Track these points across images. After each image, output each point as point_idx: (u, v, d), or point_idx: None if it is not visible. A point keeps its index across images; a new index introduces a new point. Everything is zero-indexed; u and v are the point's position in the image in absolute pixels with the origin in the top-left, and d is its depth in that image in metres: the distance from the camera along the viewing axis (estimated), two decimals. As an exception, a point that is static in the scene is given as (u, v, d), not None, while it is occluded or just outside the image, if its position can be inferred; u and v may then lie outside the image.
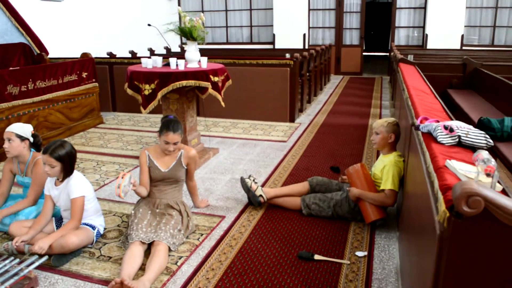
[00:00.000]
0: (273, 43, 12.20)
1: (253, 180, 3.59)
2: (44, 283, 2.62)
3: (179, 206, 3.14)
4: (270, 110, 6.47)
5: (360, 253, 2.85)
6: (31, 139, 3.24)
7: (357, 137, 5.63)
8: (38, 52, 6.73)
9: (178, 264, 2.76)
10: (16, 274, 2.49)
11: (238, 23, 12.95)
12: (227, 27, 13.06)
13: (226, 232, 3.17)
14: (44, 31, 7.24)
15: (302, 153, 5.00)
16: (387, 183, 3.08)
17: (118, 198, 3.78)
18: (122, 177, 2.78)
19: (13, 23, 6.51)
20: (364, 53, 12.55)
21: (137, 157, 4.86)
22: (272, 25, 12.26)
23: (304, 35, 11.94)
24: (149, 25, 5.22)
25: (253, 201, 3.54)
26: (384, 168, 3.14)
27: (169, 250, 2.81)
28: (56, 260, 2.75)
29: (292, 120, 6.46)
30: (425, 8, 11.37)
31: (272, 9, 12.12)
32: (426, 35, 11.26)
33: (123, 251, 2.86)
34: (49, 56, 6.87)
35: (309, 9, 12.00)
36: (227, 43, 12.99)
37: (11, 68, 5.70)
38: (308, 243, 2.99)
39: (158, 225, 2.93)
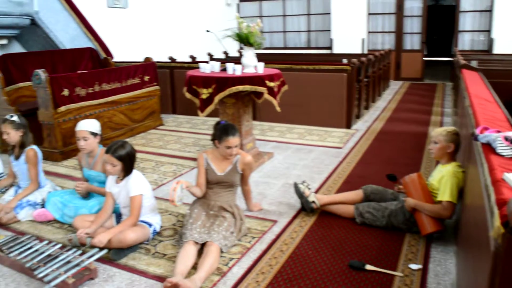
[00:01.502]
0: (330, 48, 12.11)
1: (307, 186, 3.59)
2: (102, 274, 2.77)
3: (232, 209, 3.20)
4: (326, 116, 6.43)
5: (414, 266, 2.78)
6: (100, 133, 3.49)
7: (416, 145, 5.48)
8: (104, 56, 7.08)
9: (229, 265, 2.81)
10: (77, 264, 2.65)
11: (296, 28, 12.97)
12: (285, 32, 13.11)
13: (278, 237, 3.19)
14: (110, 37, 7.61)
15: (357, 160, 4.93)
16: (445, 195, 2.98)
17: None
18: (175, 188, 2.89)
19: (82, 29, 6.91)
20: (425, 58, 12.16)
21: (194, 159, 5.00)
22: (329, 30, 12.17)
23: (363, 40, 11.76)
24: (207, 31, 5.35)
25: (305, 207, 3.54)
26: (442, 178, 3.04)
27: (221, 251, 2.86)
28: (115, 254, 2.90)
29: (348, 126, 6.39)
30: (491, 11, 10.86)
31: (330, 13, 12.03)
32: (493, 39, 10.75)
33: (177, 249, 2.95)
34: (114, 60, 7.21)
35: (368, 14, 11.80)
36: (285, 48, 13.04)
37: (79, 71, 6.04)
38: (360, 252, 2.96)
39: (211, 226, 3.00)
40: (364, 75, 7.19)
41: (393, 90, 10.23)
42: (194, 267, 2.71)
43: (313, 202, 3.49)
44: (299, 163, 4.86)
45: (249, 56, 4.49)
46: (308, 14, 12.69)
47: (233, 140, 3.12)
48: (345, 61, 7.21)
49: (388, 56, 10.30)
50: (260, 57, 4.97)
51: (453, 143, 3.10)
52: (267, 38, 13.05)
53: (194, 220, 3.03)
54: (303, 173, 4.55)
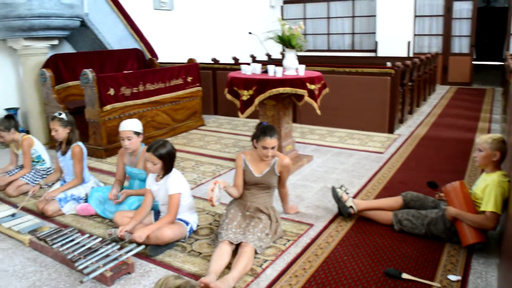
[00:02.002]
0: (375, 50, 11.89)
1: (345, 191, 3.54)
2: (139, 269, 2.84)
3: (268, 210, 3.21)
4: (368, 120, 6.33)
5: (453, 277, 2.69)
6: (142, 132, 3.59)
7: (460, 152, 5.30)
8: (150, 57, 7.26)
9: (263, 267, 2.82)
10: (116, 258, 2.74)
11: (340, 30, 12.82)
12: (328, 34, 12.99)
13: (313, 241, 3.17)
14: (155, 38, 7.79)
15: (399, 166, 4.82)
16: (489, 205, 2.87)
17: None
18: (213, 188, 2.94)
19: (129, 30, 7.11)
20: (474, 62, 11.74)
21: (233, 160, 5.04)
22: (374, 33, 11.96)
23: (409, 42, 11.48)
24: (250, 33, 5.39)
25: (343, 212, 3.50)
26: (486, 188, 2.92)
27: (255, 252, 2.87)
28: (152, 250, 2.97)
29: (391, 131, 6.26)
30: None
31: (375, 16, 11.83)
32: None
33: (213, 248, 2.99)
34: (159, 61, 7.38)
35: (415, 16, 11.51)
36: (328, 50, 12.92)
37: (125, 72, 6.22)
38: (396, 260, 2.89)
39: (247, 227, 3.02)
40: (408, 79, 7.03)
41: (439, 95, 9.94)
42: (228, 267, 2.74)
43: (351, 207, 3.45)
44: (338, 167, 4.81)
45: (291, 58, 4.49)
46: (353, 16, 12.52)
47: (270, 141, 3.13)
48: (389, 64, 7.07)
49: (435, 59, 10.02)
50: (303, 60, 4.96)
51: (499, 151, 2.98)
52: (310, 40, 12.98)
53: (230, 220, 3.06)
54: (342, 177, 4.50)
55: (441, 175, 4.41)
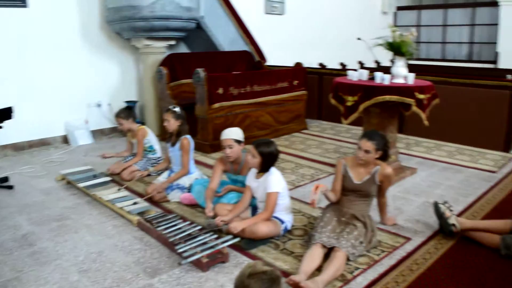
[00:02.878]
0: (495, 62, 11.03)
1: (448, 207, 3.36)
2: (233, 260, 2.97)
3: (365, 219, 3.16)
4: (481, 135, 5.90)
5: None
6: (243, 140, 3.64)
7: None
8: (258, 59, 7.47)
9: (354, 274, 2.78)
10: (212, 247, 2.90)
11: (457, 39, 12.06)
12: (444, 43, 12.31)
13: (409, 255, 3.06)
14: (264, 41, 7.99)
15: (512, 187, 4.46)
16: None
17: (309, 201, 4.00)
18: (316, 189, 2.96)
19: (240, 33, 7.38)
20: None
21: (333, 165, 5.01)
22: (495, 43, 11.09)
23: (536, 55, 10.49)
24: (358, 38, 5.32)
25: (444, 229, 3.32)
26: None
27: (348, 259, 2.85)
28: (246, 244, 3.09)
29: (506, 149, 5.78)
30: None
31: (497, 24, 10.96)
32: None
33: (305, 250, 3.01)
34: (267, 63, 7.57)
35: (546, 26, 10.49)
36: (443, 59, 12.23)
37: (234, 72, 6.48)
38: (501, 286, 2.68)
39: (341, 232, 3.00)
40: (532, 95, 6.43)
41: None
42: (318, 270, 2.75)
43: (453, 225, 3.26)
44: (444, 183, 4.56)
45: (400, 66, 4.36)
46: (472, 25, 11.73)
47: (365, 143, 3.10)
48: (509, 77, 6.54)
49: None
50: (413, 68, 4.78)
51: None
52: (423, 48, 12.39)
53: (325, 224, 3.06)
54: (447, 193, 4.26)
55: (562, 202, 4.00)
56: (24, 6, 5.71)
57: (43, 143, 6.17)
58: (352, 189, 3.23)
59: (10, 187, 4.46)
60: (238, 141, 3.56)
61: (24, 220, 3.69)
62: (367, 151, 3.12)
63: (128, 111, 4.86)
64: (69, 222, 3.64)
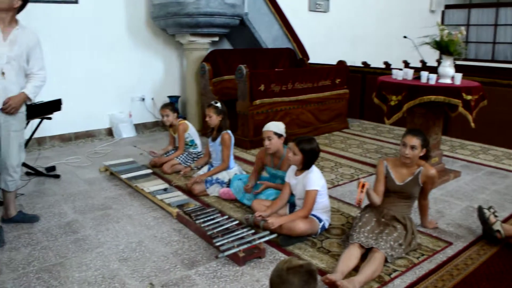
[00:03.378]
0: (551, 64, 10.53)
1: (493, 213, 3.24)
2: (269, 256, 2.98)
3: (405, 220, 3.09)
4: (532, 140, 5.66)
5: None
6: (285, 135, 3.67)
7: None
8: (301, 57, 7.44)
9: (392, 276, 2.73)
10: (249, 242, 2.91)
11: (509, 39, 11.59)
12: (494, 43, 11.85)
13: (450, 260, 2.97)
14: (307, 38, 7.94)
15: None
16: None
17: (347, 200, 3.96)
18: (363, 186, 2.89)
19: (284, 30, 7.37)
20: None
21: (373, 165, 4.94)
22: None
23: None
24: (404, 37, 5.21)
25: (488, 235, 3.21)
26: None
27: (386, 260, 2.80)
28: (283, 240, 3.09)
29: (559, 155, 5.52)
30: None
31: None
32: None
33: (342, 249, 2.99)
34: (309, 61, 7.52)
35: None
36: (492, 60, 11.78)
37: (276, 70, 6.48)
38: (548, 296, 2.58)
39: (380, 233, 2.95)
40: None
41: None
42: (355, 270, 2.72)
43: (498, 231, 3.14)
44: (489, 188, 4.40)
45: (447, 65, 4.23)
46: (526, 25, 11.25)
47: (411, 138, 3.05)
48: None
49: None
50: (461, 68, 4.63)
51: None
52: (472, 48, 11.97)
53: (363, 224, 3.02)
54: (492, 198, 4.11)
55: None
56: (76, 2, 5.92)
57: (88, 135, 6.38)
58: (393, 190, 3.16)
59: (57, 176, 4.64)
60: (278, 134, 3.60)
61: (69, 208, 3.83)
62: (413, 147, 3.05)
63: (172, 105, 4.96)
64: (111, 211, 3.75)
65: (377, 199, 3.13)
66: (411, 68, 7.11)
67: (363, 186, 2.89)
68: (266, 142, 3.60)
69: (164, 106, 4.87)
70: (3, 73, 3.09)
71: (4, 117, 3.18)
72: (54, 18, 5.76)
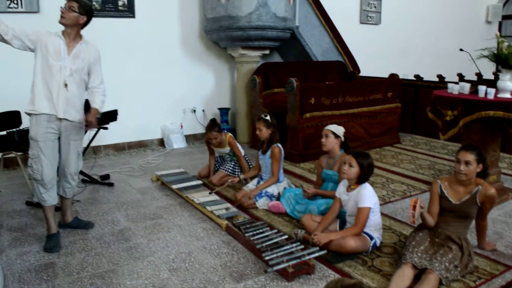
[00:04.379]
0: None
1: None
2: (318, 272, 2.94)
3: (461, 241, 2.96)
4: None
5: None
6: (343, 139, 3.78)
7: None
8: (351, 70, 7.36)
9: (448, 299, 2.63)
10: (299, 257, 2.88)
11: None
12: (559, 56, 11.26)
13: (509, 285, 2.81)
14: (358, 51, 7.85)
15: None
16: None
17: (399, 218, 3.86)
18: (415, 205, 2.80)
19: (334, 43, 7.33)
20: None
21: (426, 182, 4.79)
22: None
23: None
24: (461, 50, 5.06)
25: (552, 259, 3.03)
26: None
27: (440, 282, 2.69)
28: (333, 257, 3.04)
29: None
30: None
31: None
32: None
33: (394, 269, 2.90)
34: (360, 74, 7.42)
35: None
36: (556, 74, 11.20)
37: (327, 83, 6.44)
38: None
39: (434, 254, 2.84)
40: None
41: None
42: (409, 291, 2.63)
43: None
44: (553, 209, 4.17)
45: (506, 79, 4.06)
46: None
47: (465, 154, 2.93)
48: None
49: None
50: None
51: None
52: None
53: (417, 243, 2.92)
54: (557, 220, 3.89)
55: None
56: (133, 17, 6.15)
57: (141, 145, 6.57)
58: (449, 209, 3.04)
59: (111, 184, 4.80)
60: (335, 135, 3.75)
61: (122, 216, 3.94)
62: (467, 163, 2.93)
63: (218, 124, 4.86)
64: (162, 221, 3.83)
65: (431, 220, 3.02)
66: (466, 81, 6.89)
67: (415, 202, 2.80)
68: (323, 139, 3.77)
69: (210, 130, 4.69)
70: (66, 85, 3.24)
71: (65, 127, 3.34)
72: (112, 31, 6.00)
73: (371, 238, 3.13)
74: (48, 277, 2.89)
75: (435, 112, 4.25)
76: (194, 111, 6.96)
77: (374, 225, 3.17)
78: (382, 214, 3.65)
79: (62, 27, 3.27)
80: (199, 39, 6.83)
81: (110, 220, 3.86)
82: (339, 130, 3.78)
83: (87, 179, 4.84)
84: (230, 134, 4.91)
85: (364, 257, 3.12)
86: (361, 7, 8.90)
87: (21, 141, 4.25)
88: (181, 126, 6.79)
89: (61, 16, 3.19)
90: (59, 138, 3.36)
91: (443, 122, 4.09)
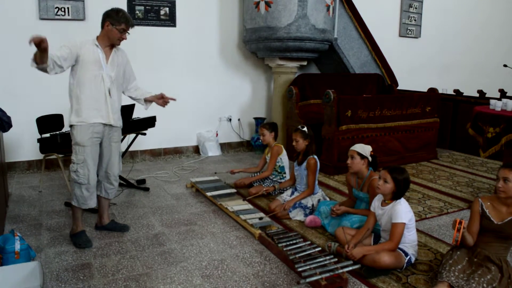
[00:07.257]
0: None
1: None
2: (351, 287, 2.90)
3: (501, 263, 2.86)
4: None
5: None
6: (370, 159, 3.63)
7: None
8: (389, 83, 7.27)
9: (486, 322, 2.54)
10: (331, 270, 2.85)
11: None
12: None
13: (554, 310, 2.71)
14: (396, 64, 7.76)
15: None
16: None
17: (435, 235, 3.77)
18: (460, 224, 2.73)
19: (373, 56, 7.26)
20: None
21: (464, 200, 4.67)
22: None
23: None
24: (505, 65, 4.92)
25: None
26: None
27: (478, 304, 2.61)
28: (367, 272, 2.99)
29: None
30: None
31: None
32: None
33: (429, 287, 2.83)
34: (398, 87, 7.33)
35: None
36: None
37: (364, 95, 6.38)
38: None
39: (471, 274, 2.76)
40: None
41: None
42: (445, 311, 2.56)
43: None
44: None
45: (554, 97, 3.94)
46: None
47: (503, 171, 2.83)
48: None
49: None
50: None
51: None
52: None
53: (454, 262, 2.85)
54: None
55: None
56: (174, 26, 6.29)
57: (176, 151, 6.67)
58: (490, 229, 2.94)
59: (147, 189, 4.89)
60: (361, 155, 3.62)
61: (156, 221, 4.01)
62: (506, 179, 2.83)
63: (274, 125, 4.92)
64: (196, 227, 3.87)
65: (471, 240, 2.93)
66: (509, 97, 6.68)
67: (459, 223, 2.73)
68: (349, 161, 3.65)
69: (262, 125, 4.88)
70: (109, 93, 3.37)
71: (108, 129, 3.46)
72: (153, 40, 6.16)
73: (406, 254, 3.07)
74: (84, 277, 2.97)
75: (476, 129, 4.17)
76: (230, 119, 7.03)
77: (409, 242, 3.11)
78: (418, 230, 3.57)
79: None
80: (238, 49, 6.91)
81: (145, 224, 3.93)
82: (366, 150, 3.65)
83: (124, 183, 4.95)
84: (281, 145, 4.84)
85: (399, 273, 3.06)
86: (401, 20, 8.81)
87: (62, 143, 4.42)
88: (216, 134, 6.86)
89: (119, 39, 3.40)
90: (100, 143, 3.47)
91: (484, 139, 4.00)
